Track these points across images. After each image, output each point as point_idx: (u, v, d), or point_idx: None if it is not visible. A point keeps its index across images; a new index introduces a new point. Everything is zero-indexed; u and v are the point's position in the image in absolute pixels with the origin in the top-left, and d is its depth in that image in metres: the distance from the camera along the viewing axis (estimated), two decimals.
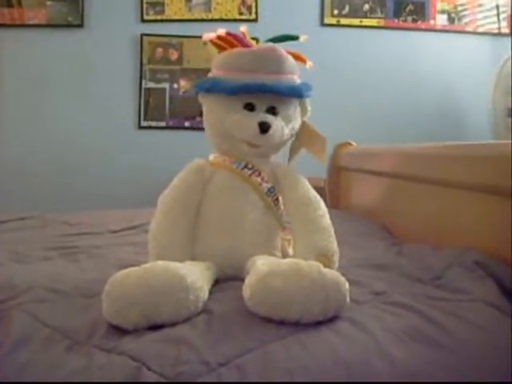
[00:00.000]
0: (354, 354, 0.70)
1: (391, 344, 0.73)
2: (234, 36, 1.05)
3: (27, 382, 0.65)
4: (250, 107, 1.01)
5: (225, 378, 0.65)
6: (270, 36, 1.10)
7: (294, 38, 1.10)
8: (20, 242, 1.41)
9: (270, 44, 1.04)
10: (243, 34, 1.07)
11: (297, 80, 1.05)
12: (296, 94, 1.04)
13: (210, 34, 1.05)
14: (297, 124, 1.07)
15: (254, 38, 1.07)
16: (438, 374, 0.70)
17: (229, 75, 1.01)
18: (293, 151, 1.12)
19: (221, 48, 1.05)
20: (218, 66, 1.05)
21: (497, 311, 0.84)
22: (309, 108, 1.10)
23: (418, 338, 0.75)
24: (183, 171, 1.05)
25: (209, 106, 1.06)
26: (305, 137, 1.10)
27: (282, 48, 1.02)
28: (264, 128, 0.98)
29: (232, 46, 1.04)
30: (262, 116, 1.00)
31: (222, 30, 1.05)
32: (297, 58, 1.07)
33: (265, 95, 1.00)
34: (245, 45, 1.04)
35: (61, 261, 1.23)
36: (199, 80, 1.05)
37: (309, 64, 1.11)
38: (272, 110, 1.02)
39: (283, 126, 1.02)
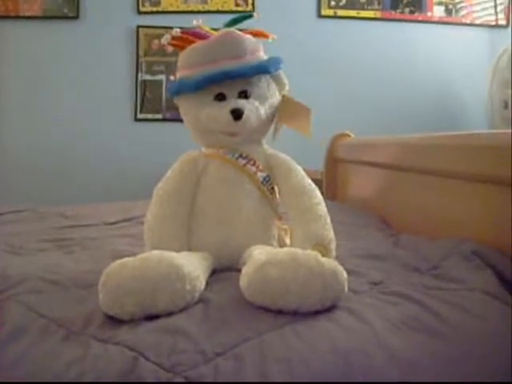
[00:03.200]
0: (353, 343, 0.70)
1: (389, 334, 0.72)
2: (190, 32, 1.04)
3: (29, 382, 0.65)
4: (220, 97, 1.00)
5: (222, 367, 0.64)
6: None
7: (247, 16, 1.10)
8: (15, 234, 1.41)
9: (225, 29, 1.04)
10: (199, 27, 1.06)
11: (261, 57, 1.04)
12: (261, 71, 1.03)
13: (167, 36, 1.04)
14: (275, 100, 1.06)
15: (214, 29, 1.05)
16: (437, 363, 0.70)
17: (191, 72, 1.01)
18: (275, 127, 1.09)
19: (181, 48, 1.05)
20: (181, 66, 1.05)
21: (495, 300, 0.84)
22: (285, 81, 1.08)
23: (416, 327, 0.75)
24: (177, 163, 1.05)
25: (182, 107, 1.06)
26: (286, 110, 1.08)
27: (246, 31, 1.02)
28: (237, 115, 0.97)
29: (190, 42, 1.03)
30: (232, 103, 0.98)
31: (176, 31, 1.04)
32: (257, 34, 1.07)
33: (232, 81, 0.99)
34: (202, 37, 1.03)
35: (56, 252, 1.22)
36: (168, 85, 1.05)
37: (271, 36, 1.09)
38: (244, 94, 1.01)
39: (258, 107, 1.00)
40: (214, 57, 0.99)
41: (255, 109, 1.00)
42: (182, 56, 1.04)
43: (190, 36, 1.04)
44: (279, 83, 1.07)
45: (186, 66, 1.03)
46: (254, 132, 1.03)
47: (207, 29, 1.06)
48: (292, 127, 1.08)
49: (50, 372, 0.64)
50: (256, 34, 1.06)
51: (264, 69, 1.03)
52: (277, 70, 1.06)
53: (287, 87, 1.09)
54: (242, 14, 1.10)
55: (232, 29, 1.04)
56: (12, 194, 2.87)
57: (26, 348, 0.69)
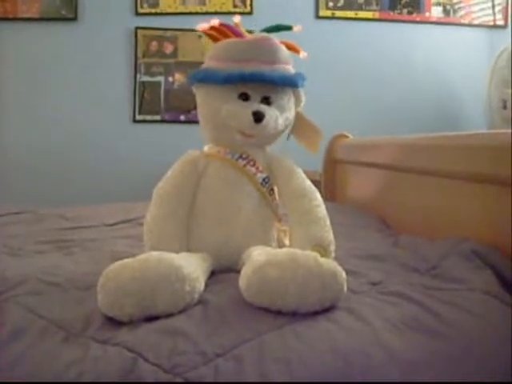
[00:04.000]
0: (352, 343, 0.70)
1: (389, 334, 0.72)
2: (228, 26, 1.05)
3: (28, 383, 0.65)
4: (244, 97, 1.00)
5: (222, 368, 0.64)
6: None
7: (288, 28, 1.10)
8: (14, 236, 1.40)
9: (264, 34, 1.04)
10: (236, 24, 1.06)
11: (291, 70, 1.05)
12: (290, 83, 1.03)
13: (205, 24, 1.05)
14: (291, 114, 1.06)
15: (249, 31, 1.06)
16: (437, 363, 0.70)
17: (222, 65, 1.00)
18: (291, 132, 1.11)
19: (214, 39, 1.05)
20: (212, 56, 1.04)
21: (495, 300, 0.84)
22: (303, 98, 1.09)
23: (415, 327, 0.75)
24: (177, 163, 1.05)
25: (202, 97, 1.05)
26: (298, 127, 1.10)
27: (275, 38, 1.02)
28: (258, 117, 0.97)
29: (226, 36, 1.04)
30: (256, 106, 0.99)
31: (215, 21, 1.04)
32: (290, 47, 1.07)
33: (259, 85, 0.99)
34: (238, 35, 1.03)
35: (55, 254, 1.22)
36: (193, 70, 1.05)
37: (302, 54, 1.10)
38: (266, 100, 1.01)
39: (277, 116, 1.01)
40: (249, 57, 0.99)
41: (275, 117, 1.01)
42: (216, 47, 1.04)
43: (227, 30, 1.04)
44: (297, 99, 1.08)
45: (217, 57, 1.03)
46: (265, 138, 1.04)
47: (244, 30, 1.06)
48: (300, 143, 1.11)
49: (49, 373, 0.64)
50: (289, 47, 1.07)
51: (293, 81, 1.03)
52: (302, 86, 1.07)
53: (303, 104, 1.10)
54: (282, 25, 1.09)
55: (269, 35, 1.03)
56: (12, 195, 2.87)
57: (26, 349, 0.69)
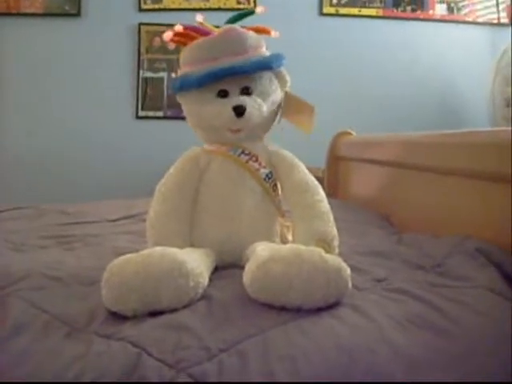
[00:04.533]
0: (357, 340, 0.69)
1: (394, 330, 0.72)
2: (193, 28, 1.04)
3: (31, 382, 0.64)
4: (223, 94, 1.00)
5: (226, 363, 0.64)
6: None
7: (250, 13, 1.09)
8: (17, 231, 1.41)
9: (228, 25, 1.04)
10: (201, 23, 1.06)
11: (264, 53, 1.04)
12: (263, 67, 1.02)
13: (169, 33, 1.04)
14: (277, 97, 1.05)
15: (216, 26, 1.05)
16: (442, 360, 0.69)
17: (194, 68, 1.00)
18: (278, 121, 1.09)
19: (183, 44, 1.05)
20: (183, 62, 1.05)
21: (500, 298, 0.83)
22: (287, 78, 1.07)
23: (420, 324, 0.74)
24: (179, 159, 1.05)
25: (185, 104, 1.05)
26: (289, 107, 1.08)
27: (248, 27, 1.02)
28: (239, 111, 0.97)
29: (193, 38, 1.03)
30: (235, 100, 0.98)
31: (178, 27, 1.03)
32: (259, 31, 1.06)
33: (234, 78, 0.98)
34: (205, 33, 1.03)
35: (57, 249, 1.22)
36: (171, 81, 1.05)
37: (274, 33, 1.09)
38: (246, 91, 1.01)
39: (260, 103, 1.00)
40: (217, 53, 0.99)
41: (257, 105, 0.99)
42: (185, 52, 1.04)
43: (192, 32, 1.03)
44: (281, 80, 1.07)
45: (189, 62, 1.03)
46: (256, 128, 1.03)
47: (209, 26, 1.05)
48: (294, 123, 1.08)
49: (52, 368, 0.64)
50: (258, 31, 1.06)
51: (266, 65, 1.02)
52: (279, 67, 1.05)
53: (289, 83, 1.08)
54: (244, 11, 1.10)
55: (234, 25, 1.03)
56: (13, 193, 2.87)
57: (29, 344, 0.69)
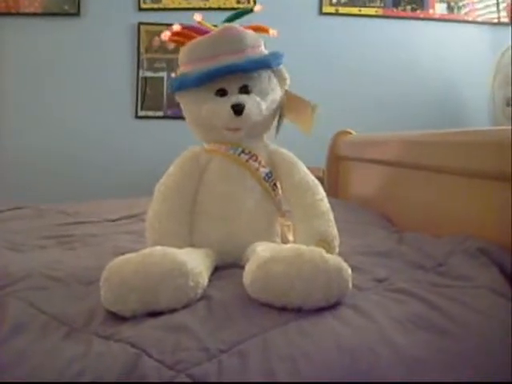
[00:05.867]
0: (358, 340, 0.69)
1: (395, 331, 0.72)
2: (191, 28, 1.04)
3: (30, 383, 0.64)
4: (221, 92, 0.99)
5: (225, 364, 0.63)
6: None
7: (247, 11, 1.09)
8: (16, 231, 1.40)
9: (225, 25, 1.03)
10: (200, 22, 1.05)
11: (262, 52, 1.04)
12: (262, 65, 1.02)
13: (167, 32, 1.04)
14: (276, 95, 1.05)
15: (214, 25, 1.05)
16: (443, 360, 0.69)
17: (192, 67, 1.00)
18: (278, 122, 1.09)
19: (181, 43, 1.04)
20: (181, 61, 1.04)
21: (501, 298, 0.83)
22: (286, 76, 1.07)
23: (421, 324, 0.74)
24: (179, 158, 1.04)
25: (184, 103, 1.05)
26: (288, 106, 1.07)
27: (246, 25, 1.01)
28: (237, 110, 0.96)
29: (191, 38, 1.02)
30: (233, 98, 0.97)
31: (176, 26, 1.03)
32: (258, 29, 1.06)
33: (233, 76, 0.98)
34: (203, 33, 1.02)
35: (57, 249, 1.22)
36: (169, 81, 1.04)
37: (272, 32, 1.08)
38: (245, 89, 1.00)
39: (259, 102, 0.99)
40: (215, 52, 0.98)
41: (256, 104, 0.99)
42: (183, 51, 1.03)
43: (190, 31, 1.03)
44: (280, 78, 1.06)
45: (187, 61, 1.02)
46: (255, 127, 1.02)
47: (208, 25, 1.05)
48: (294, 122, 1.07)
49: (51, 369, 0.63)
50: (257, 29, 1.05)
51: (265, 63, 1.02)
52: (278, 65, 1.05)
53: (288, 82, 1.08)
54: (242, 9, 1.09)
55: (232, 24, 1.03)
56: (13, 193, 2.86)
57: (28, 345, 0.68)
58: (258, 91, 1.01)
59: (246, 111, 0.97)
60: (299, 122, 1.07)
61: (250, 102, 0.98)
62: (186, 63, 1.02)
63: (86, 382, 0.61)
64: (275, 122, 1.08)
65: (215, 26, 1.05)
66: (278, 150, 1.07)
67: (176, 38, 1.04)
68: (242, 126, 0.99)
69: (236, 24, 1.03)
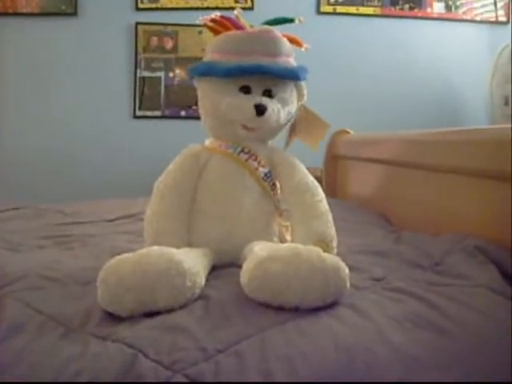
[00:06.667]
0: (356, 339, 0.69)
1: (392, 330, 0.71)
2: (229, 19, 1.04)
3: (27, 382, 0.63)
4: (245, 90, 0.99)
5: (222, 364, 0.63)
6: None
7: (290, 20, 1.09)
8: (14, 231, 1.40)
9: (266, 26, 1.03)
10: (237, 17, 1.05)
11: (292, 63, 1.04)
12: (292, 76, 1.02)
13: (206, 17, 1.04)
14: (293, 108, 1.05)
15: (251, 25, 1.05)
16: (441, 359, 0.69)
17: (223, 58, 0.99)
18: (290, 137, 1.10)
19: (216, 31, 1.04)
20: (213, 49, 1.03)
21: (500, 297, 0.83)
22: (305, 92, 1.08)
23: (419, 323, 0.74)
24: (179, 157, 1.04)
25: (204, 90, 1.04)
26: (302, 121, 1.08)
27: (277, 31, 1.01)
28: (260, 110, 0.96)
29: (226, 28, 1.03)
30: (258, 98, 0.98)
31: (216, 13, 1.04)
32: (292, 41, 1.06)
33: (260, 78, 0.98)
34: (239, 27, 1.02)
35: (55, 249, 1.21)
36: (193, 64, 1.04)
37: (305, 47, 1.09)
38: (268, 93, 1.00)
39: (279, 109, 1.00)
40: (250, 49, 0.98)
41: (277, 110, 0.99)
42: (217, 40, 1.03)
43: (228, 22, 1.03)
44: (299, 93, 1.07)
45: (219, 50, 1.01)
46: (266, 132, 1.03)
47: (245, 22, 1.05)
48: (304, 140, 1.09)
49: (48, 369, 0.63)
50: (291, 40, 1.05)
51: (295, 74, 1.02)
52: (304, 79, 1.05)
53: (305, 98, 1.09)
54: (284, 17, 1.09)
55: (272, 27, 1.02)
56: (12, 192, 2.86)
57: (24, 345, 0.68)
58: (279, 99, 1.01)
59: (267, 113, 0.97)
60: (308, 139, 1.09)
61: (272, 106, 0.98)
62: (218, 52, 1.01)
63: (83, 382, 0.61)
64: (286, 137, 1.09)
65: (251, 25, 1.05)
66: (279, 151, 1.07)
67: (213, 25, 1.04)
68: (260, 127, 0.99)
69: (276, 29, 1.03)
